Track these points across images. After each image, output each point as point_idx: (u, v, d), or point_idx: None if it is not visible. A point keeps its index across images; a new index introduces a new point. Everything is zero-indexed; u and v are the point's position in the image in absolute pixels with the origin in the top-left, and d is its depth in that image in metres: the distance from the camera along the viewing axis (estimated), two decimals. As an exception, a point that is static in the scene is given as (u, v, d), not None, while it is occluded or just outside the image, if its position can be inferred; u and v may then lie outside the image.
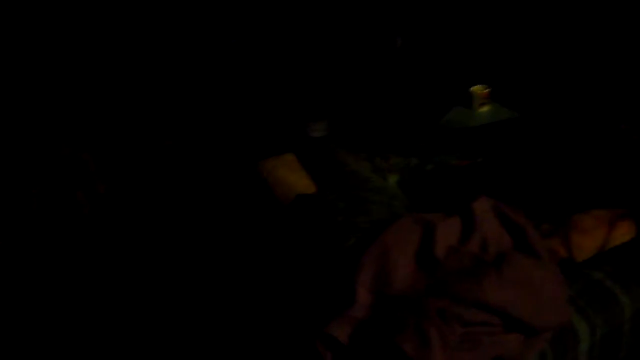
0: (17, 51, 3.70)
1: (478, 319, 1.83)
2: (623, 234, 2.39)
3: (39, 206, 3.12)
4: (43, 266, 2.93)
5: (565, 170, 2.73)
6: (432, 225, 2.06)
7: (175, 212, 3.15)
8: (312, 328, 1.96)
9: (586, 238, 2.32)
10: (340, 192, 2.43)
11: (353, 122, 3.87)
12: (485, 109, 3.65)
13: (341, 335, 1.88)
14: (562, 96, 3.52)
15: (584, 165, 2.73)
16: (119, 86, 3.86)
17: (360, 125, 3.81)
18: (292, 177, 2.68)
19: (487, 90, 3.62)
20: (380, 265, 1.99)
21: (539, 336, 1.91)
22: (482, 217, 2.11)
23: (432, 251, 1.99)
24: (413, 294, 1.93)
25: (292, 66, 4.08)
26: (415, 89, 3.99)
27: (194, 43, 3.92)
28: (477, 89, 3.64)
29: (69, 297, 2.80)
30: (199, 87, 3.98)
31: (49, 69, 3.77)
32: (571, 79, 3.60)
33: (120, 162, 3.50)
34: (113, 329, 2.68)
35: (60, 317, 2.73)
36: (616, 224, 2.39)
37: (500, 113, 3.62)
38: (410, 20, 4.20)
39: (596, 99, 3.36)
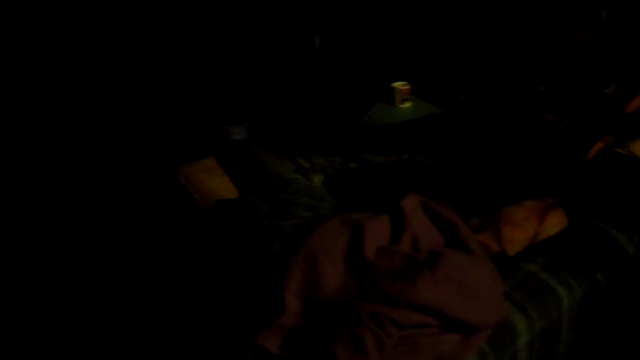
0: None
1: (414, 320, 1.74)
2: (554, 224, 2.34)
3: None
4: None
5: (492, 161, 2.68)
6: (360, 226, 1.97)
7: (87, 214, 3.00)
8: (241, 340, 1.84)
9: (517, 230, 2.26)
10: (263, 195, 2.32)
11: (274, 123, 3.76)
12: (407, 105, 3.59)
13: (271, 346, 1.78)
14: (483, 88, 3.48)
15: (510, 156, 2.68)
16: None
17: (281, 126, 3.72)
18: (213, 182, 2.57)
19: (408, 87, 3.56)
20: (308, 270, 1.89)
21: (477, 334, 1.84)
22: (412, 215, 2.04)
23: (361, 253, 1.90)
24: (345, 298, 1.83)
25: (209, 68, 3.95)
26: (336, 87, 3.90)
27: (111, 43, 3.76)
28: (398, 85, 3.57)
29: None
30: (114, 89, 3.79)
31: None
32: (487, 71, 3.57)
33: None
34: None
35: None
36: (547, 215, 2.33)
37: (423, 108, 3.56)
38: (328, 19, 4.12)
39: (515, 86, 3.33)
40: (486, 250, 2.14)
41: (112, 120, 3.73)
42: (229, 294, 2.10)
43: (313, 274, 1.87)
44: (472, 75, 3.61)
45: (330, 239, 1.95)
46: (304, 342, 1.76)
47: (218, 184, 2.56)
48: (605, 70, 3.11)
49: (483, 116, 3.20)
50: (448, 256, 1.86)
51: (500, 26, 3.53)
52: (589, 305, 2.15)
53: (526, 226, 2.28)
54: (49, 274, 2.85)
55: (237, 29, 3.97)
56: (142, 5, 3.72)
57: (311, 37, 4.13)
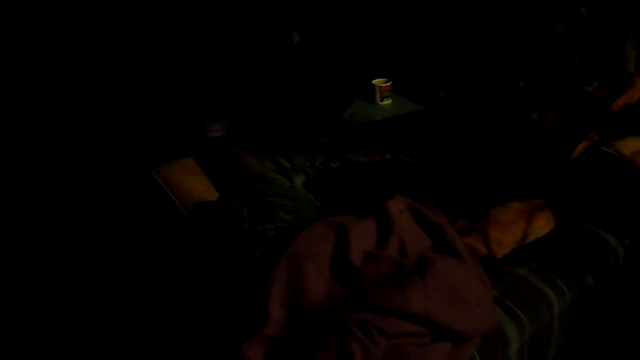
0: None
1: (403, 330, 1.68)
2: (542, 226, 2.29)
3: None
4: None
5: (477, 161, 2.62)
6: (346, 230, 1.89)
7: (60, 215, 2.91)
8: (224, 349, 1.77)
9: (505, 233, 2.21)
10: (244, 197, 2.23)
11: (253, 120, 3.69)
12: (387, 102, 3.53)
13: (255, 357, 1.71)
14: (461, 85, 3.42)
15: (495, 155, 2.62)
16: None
17: (260, 124, 3.64)
18: (191, 183, 2.48)
19: (388, 84, 3.50)
20: (291, 276, 1.82)
21: (468, 342, 1.78)
22: (398, 218, 1.97)
23: (347, 258, 1.83)
24: (331, 306, 1.76)
25: (187, 65, 3.86)
26: (316, 84, 3.83)
27: (87, 43, 3.66)
28: (378, 82, 3.51)
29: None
30: (90, 86, 3.69)
31: None
32: (466, 68, 3.51)
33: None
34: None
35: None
36: (535, 216, 2.29)
37: (403, 106, 3.50)
38: (307, 15, 4.04)
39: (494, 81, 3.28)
40: (474, 254, 2.08)
41: (86, 119, 3.63)
42: (210, 302, 2.02)
43: (297, 281, 1.80)
44: (451, 72, 3.56)
45: (315, 243, 1.88)
46: (288, 352, 1.69)
47: (197, 185, 2.47)
48: (588, 68, 3.07)
49: (463, 113, 3.15)
50: (437, 262, 1.79)
51: (480, 22, 3.48)
52: (579, 308, 2.11)
53: (514, 228, 2.23)
54: (29, 273, 2.75)
55: (216, 25, 3.88)
56: (118, 4, 3.63)
57: (290, 34, 4.05)
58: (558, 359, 2.15)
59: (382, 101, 3.51)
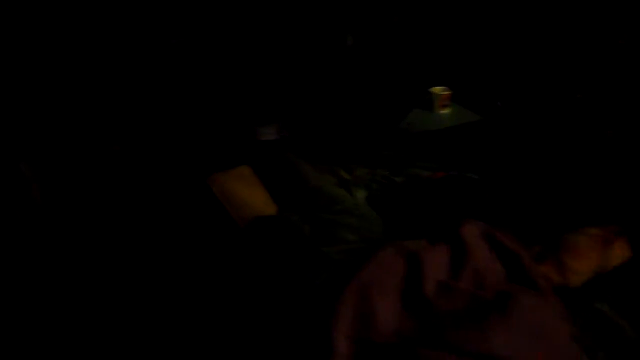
0: None
1: (482, 372, 1.55)
2: (618, 255, 2.14)
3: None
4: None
5: (552, 182, 2.47)
6: (418, 258, 1.77)
7: (117, 226, 2.82)
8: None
9: (581, 261, 2.06)
10: (305, 213, 2.12)
11: (306, 124, 3.57)
12: (446, 110, 3.38)
13: (318, 393, 1.59)
14: (531, 97, 3.27)
15: (571, 177, 2.47)
16: (60, 86, 3.45)
17: (313, 129, 3.52)
18: (247, 192, 2.37)
19: (448, 92, 3.35)
20: (359, 307, 1.70)
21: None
22: (474, 246, 1.84)
23: (420, 289, 1.71)
24: (400, 340, 1.64)
25: (237, 66, 3.75)
26: (371, 90, 3.69)
27: (136, 44, 3.56)
28: (437, 90, 3.37)
29: None
30: (142, 90, 3.60)
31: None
32: (525, 77, 3.36)
33: (60, 167, 3.19)
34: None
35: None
36: (611, 243, 2.14)
37: (463, 116, 3.35)
38: (362, 17, 3.90)
39: (568, 98, 3.12)
40: (548, 282, 1.94)
41: (135, 123, 3.54)
42: (265, 324, 1.91)
43: (365, 312, 1.69)
44: (510, 81, 3.41)
45: (385, 272, 1.76)
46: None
47: (253, 196, 2.36)
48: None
49: (527, 125, 3.00)
50: (521, 298, 1.67)
51: (539, 31, 3.32)
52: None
53: (590, 256, 2.09)
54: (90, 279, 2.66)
55: (268, 27, 3.77)
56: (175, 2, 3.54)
57: (344, 37, 3.91)
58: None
59: (440, 110, 3.36)
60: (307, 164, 2.43)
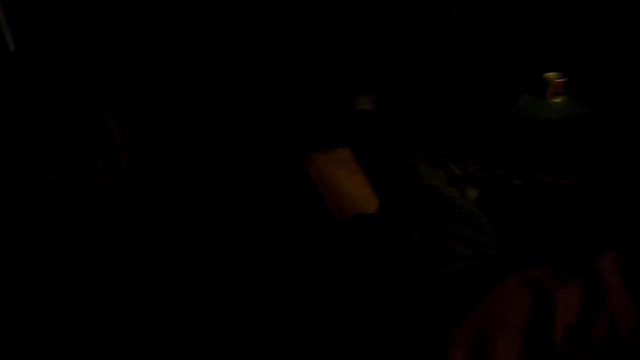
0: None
1: None
2: None
3: (54, 175, 2.73)
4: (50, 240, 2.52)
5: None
6: (548, 294, 1.54)
7: (203, 198, 2.64)
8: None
9: None
10: (415, 216, 1.89)
11: (405, 98, 3.32)
12: (558, 99, 3.08)
13: None
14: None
15: None
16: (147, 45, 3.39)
17: (413, 104, 3.27)
18: (347, 182, 2.15)
19: (562, 80, 3.04)
20: (476, 345, 1.49)
21: None
22: (611, 284, 1.60)
23: (550, 335, 1.48)
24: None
25: (339, 32, 3.51)
26: (477, 68, 3.39)
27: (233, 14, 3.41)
28: (551, 76, 3.06)
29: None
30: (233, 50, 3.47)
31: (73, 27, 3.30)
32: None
33: (147, 127, 3.09)
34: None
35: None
36: None
37: (576, 108, 3.04)
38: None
39: None
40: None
41: (225, 82, 3.37)
42: (359, 340, 1.70)
43: (483, 351, 1.47)
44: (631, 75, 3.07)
45: (508, 307, 1.54)
46: None
47: (353, 186, 2.15)
48: None
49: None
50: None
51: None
52: None
53: None
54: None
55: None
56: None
57: (449, 8, 3.61)
58: None
59: (553, 98, 3.06)
60: (416, 154, 2.19)
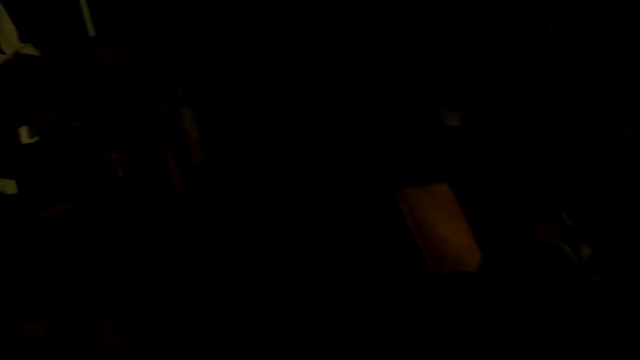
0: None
1: None
2: None
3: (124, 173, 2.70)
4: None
5: None
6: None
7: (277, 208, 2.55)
8: None
9: None
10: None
11: (494, 117, 3.10)
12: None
13: None
14: None
15: None
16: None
17: (504, 124, 3.04)
18: (446, 227, 1.92)
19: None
20: None
21: None
22: None
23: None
24: None
25: (423, 48, 3.30)
26: (576, 92, 3.12)
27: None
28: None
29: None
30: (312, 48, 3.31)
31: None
32: None
33: (226, 126, 3.02)
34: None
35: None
36: None
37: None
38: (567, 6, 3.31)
39: None
40: None
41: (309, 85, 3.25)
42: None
43: None
44: None
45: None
46: None
47: (452, 233, 1.91)
48: None
49: None
50: None
51: None
52: None
53: None
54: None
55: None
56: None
57: (545, 24, 3.36)
58: None
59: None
60: (529, 205, 1.94)
